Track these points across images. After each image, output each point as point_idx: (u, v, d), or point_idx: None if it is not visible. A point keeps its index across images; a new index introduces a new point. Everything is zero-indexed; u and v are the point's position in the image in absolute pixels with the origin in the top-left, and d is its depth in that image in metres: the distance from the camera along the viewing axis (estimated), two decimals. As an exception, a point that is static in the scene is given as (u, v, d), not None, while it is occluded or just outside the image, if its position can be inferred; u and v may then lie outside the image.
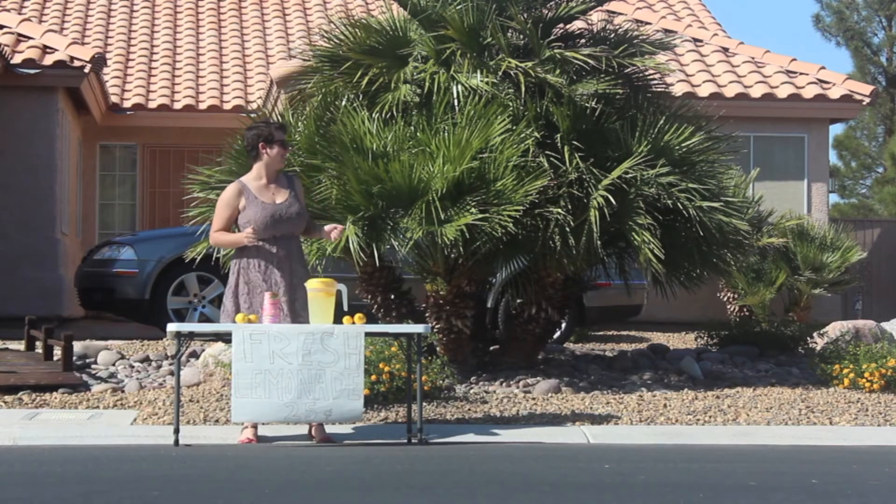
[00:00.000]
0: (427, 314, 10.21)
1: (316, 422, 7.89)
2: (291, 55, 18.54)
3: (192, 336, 8.18)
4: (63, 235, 15.90)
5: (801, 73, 17.68)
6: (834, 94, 17.26)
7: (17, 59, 15.21)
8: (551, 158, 9.76)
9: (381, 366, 8.99)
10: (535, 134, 9.72)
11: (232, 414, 7.69)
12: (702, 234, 10.08)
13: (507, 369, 10.42)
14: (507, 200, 9.30)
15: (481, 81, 9.89)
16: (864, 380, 10.16)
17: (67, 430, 8.25)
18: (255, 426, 8.00)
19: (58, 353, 10.40)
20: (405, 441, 7.99)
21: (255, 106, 18.50)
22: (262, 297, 8.01)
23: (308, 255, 9.52)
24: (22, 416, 8.72)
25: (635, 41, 10.57)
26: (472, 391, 9.77)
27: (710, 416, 9.21)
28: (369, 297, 10.34)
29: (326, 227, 8.34)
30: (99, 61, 15.91)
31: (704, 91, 16.98)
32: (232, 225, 8.25)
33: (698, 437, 8.49)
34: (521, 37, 10.35)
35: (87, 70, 15.51)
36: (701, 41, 18.68)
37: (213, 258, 10.48)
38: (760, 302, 15.66)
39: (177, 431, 7.74)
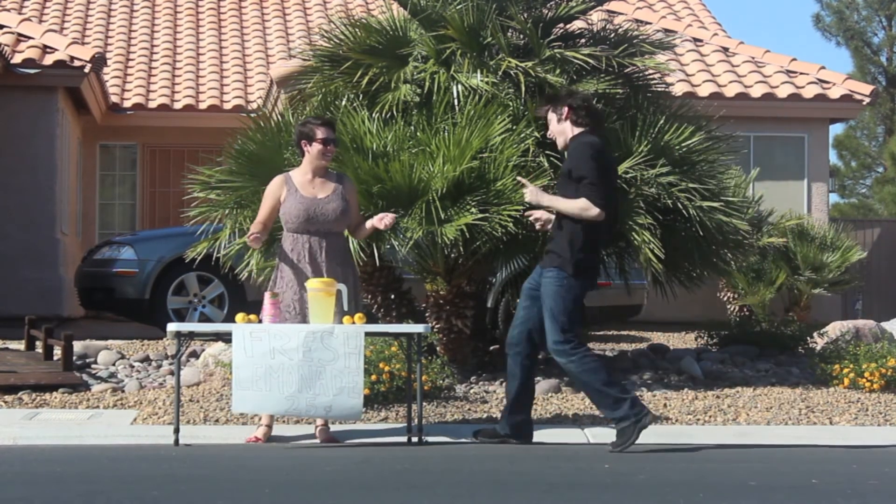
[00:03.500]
0: (427, 314, 10.21)
1: (316, 416, 7.88)
2: (291, 55, 18.53)
3: (192, 336, 8.17)
4: (63, 235, 15.90)
5: (801, 73, 17.69)
6: (834, 93, 17.26)
7: (17, 58, 15.22)
8: (551, 158, 9.76)
9: (381, 365, 8.99)
10: (536, 133, 9.72)
11: (233, 405, 7.66)
12: (702, 233, 10.08)
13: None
14: (507, 200, 9.30)
15: (481, 81, 9.89)
16: (864, 380, 10.16)
17: (67, 429, 8.25)
18: (269, 426, 7.98)
19: (58, 352, 10.40)
20: (405, 441, 7.98)
21: (255, 106, 18.50)
22: (290, 293, 7.99)
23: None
24: (22, 416, 8.72)
25: (635, 41, 10.57)
26: (472, 391, 9.77)
27: (710, 416, 9.21)
28: (369, 296, 10.34)
29: (372, 220, 8.12)
30: (99, 61, 15.91)
31: (704, 91, 16.98)
32: (274, 216, 8.18)
33: (698, 437, 8.49)
34: (521, 36, 10.35)
35: (87, 70, 15.52)
36: (701, 41, 18.68)
37: (214, 258, 10.48)
38: (760, 302, 15.66)
39: (177, 431, 7.74)
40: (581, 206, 7.66)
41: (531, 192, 7.87)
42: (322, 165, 8.20)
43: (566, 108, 7.83)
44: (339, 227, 8.15)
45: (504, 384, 10.05)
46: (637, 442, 7.73)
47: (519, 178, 8.64)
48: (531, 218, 8.03)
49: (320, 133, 8.16)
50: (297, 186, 8.14)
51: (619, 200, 8.37)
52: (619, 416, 7.70)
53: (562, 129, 7.88)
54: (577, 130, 7.83)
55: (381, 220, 8.06)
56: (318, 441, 8.01)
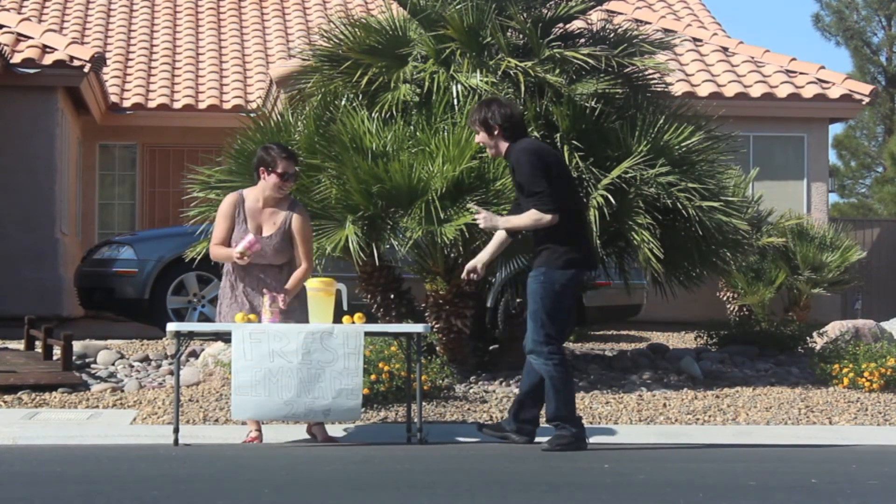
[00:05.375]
0: (427, 314, 10.21)
1: (315, 420, 7.88)
2: (291, 55, 18.53)
3: (191, 335, 8.16)
4: (63, 235, 15.90)
5: (800, 73, 17.68)
6: (833, 93, 17.26)
7: (16, 58, 15.21)
8: (551, 158, 9.75)
9: (380, 365, 8.99)
10: (535, 133, 9.72)
11: (232, 412, 7.67)
12: (701, 233, 10.09)
13: (507, 369, 10.42)
14: (506, 200, 9.31)
15: (481, 81, 9.89)
16: (863, 379, 10.16)
17: (67, 429, 8.25)
18: (259, 430, 7.98)
19: (57, 352, 10.39)
20: (405, 441, 7.98)
21: (254, 105, 18.50)
22: (237, 308, 7.96)
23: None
24: (22, 416, 8.72)
25: (635, 41, 10.57)
26: (471, 391, 9.77)
27: (709, 416, 9.21)
28: (369, 296, 10.34)
29: (288, 287, 7.95)
30: (98, 61, 15.90)
31: (704, 91, 16.97)
32: (231, 233, 8.00)
33: (698, 437, 8.49)
34: (521, 36, 10.35)
35: (86, 69, 15.51)
36: (700, 41, 18.67)
37: (213, 258, 10.47)
38: (760, 301, 15.66)
39: (176, 431, 7.73)
40: (533, 218, 7.57)
41: (485, 219, 7.75)
42: (276, 198, 8.01)
43: (497, 129, 7.71)
44: (282, 261, 8.02)
45: (503, 384, 10.07)
46: (637, 442, 7.70)
47: (472, 205, 8.56)
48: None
49: (281, 166, 7.94)
50: (248, 214, 7.98)
51: (575, 186, 8.20)
52: (565, 422, 7.61)
53: (494, 144, 7.75)
54: (508, 143, 7.75)
55: (283, 301, 7.82)
56: (317, 441, 8.02)
